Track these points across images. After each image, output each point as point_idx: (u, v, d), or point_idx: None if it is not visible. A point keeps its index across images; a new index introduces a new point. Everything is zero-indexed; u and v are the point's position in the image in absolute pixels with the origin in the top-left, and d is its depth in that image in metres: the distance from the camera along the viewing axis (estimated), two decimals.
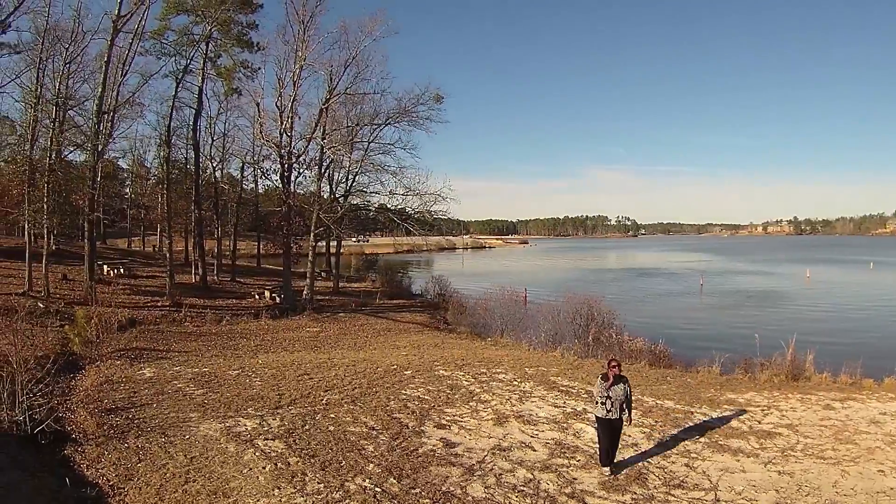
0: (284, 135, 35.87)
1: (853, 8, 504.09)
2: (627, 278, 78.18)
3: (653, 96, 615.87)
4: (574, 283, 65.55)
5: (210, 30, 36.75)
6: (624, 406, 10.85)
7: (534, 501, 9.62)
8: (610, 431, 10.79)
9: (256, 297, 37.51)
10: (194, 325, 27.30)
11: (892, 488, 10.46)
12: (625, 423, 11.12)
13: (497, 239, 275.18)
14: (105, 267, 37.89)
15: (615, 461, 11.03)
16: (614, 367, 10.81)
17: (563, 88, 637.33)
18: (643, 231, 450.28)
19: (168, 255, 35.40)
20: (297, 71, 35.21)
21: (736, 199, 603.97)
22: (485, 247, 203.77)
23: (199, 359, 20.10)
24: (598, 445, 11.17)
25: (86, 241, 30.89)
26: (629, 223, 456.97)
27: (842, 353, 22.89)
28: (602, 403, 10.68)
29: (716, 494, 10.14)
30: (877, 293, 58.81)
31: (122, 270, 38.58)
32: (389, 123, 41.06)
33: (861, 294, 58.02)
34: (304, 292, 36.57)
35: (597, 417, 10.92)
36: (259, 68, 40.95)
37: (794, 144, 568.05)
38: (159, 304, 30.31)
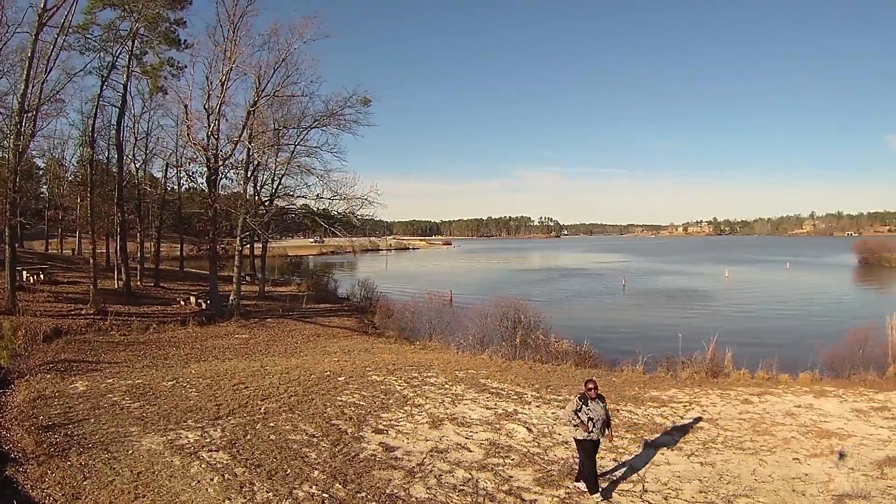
0: (211, 137, 35.33)
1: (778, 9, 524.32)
2: (552, 279, 79.78)
3: (580, 97, 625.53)
4: (499, 284, 66.87)
5: (137, 26, 35.61)
6: (604, 425, 10.80)
7: (474, 499, 10.21)
8: (592, 451, 10.74)
9: (182, 302, 36.78)
10: (121, 333, 26.57)
11: (806, 474, 11.55)
12: (604, 440, 11.06)
13: (421, 240, 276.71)
14: (24, 273, 36.32)
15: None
16: (592, 388, 10.72)
17: (490, 88, 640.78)
18: (566, 232, 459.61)
19: (92, 260, 34.23)
20: (226, 72, 34.67)
21: (657, 201, 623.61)
22: (408, 248, 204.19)
23: (130, 370, 19.75)
24: (580, 470, 10.90)
25: (7, 246, 29.44)
26: (552, 224, 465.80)
27: (759, 350, 24.55)
28: (583, 423, 10.49)
29: (643, 486, 11.01)
30: (793, 292, 62.11)
31: (42, 276, 37.01)
32: (316, 126, 40.75)
33: (778, 293, 61.14)
34: (231, 297, 36.06)
35: (578, 440, 10.66)
36: (185, 67, 40.10)
37: (715, 147, 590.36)
38: (83, 311, 29.30)
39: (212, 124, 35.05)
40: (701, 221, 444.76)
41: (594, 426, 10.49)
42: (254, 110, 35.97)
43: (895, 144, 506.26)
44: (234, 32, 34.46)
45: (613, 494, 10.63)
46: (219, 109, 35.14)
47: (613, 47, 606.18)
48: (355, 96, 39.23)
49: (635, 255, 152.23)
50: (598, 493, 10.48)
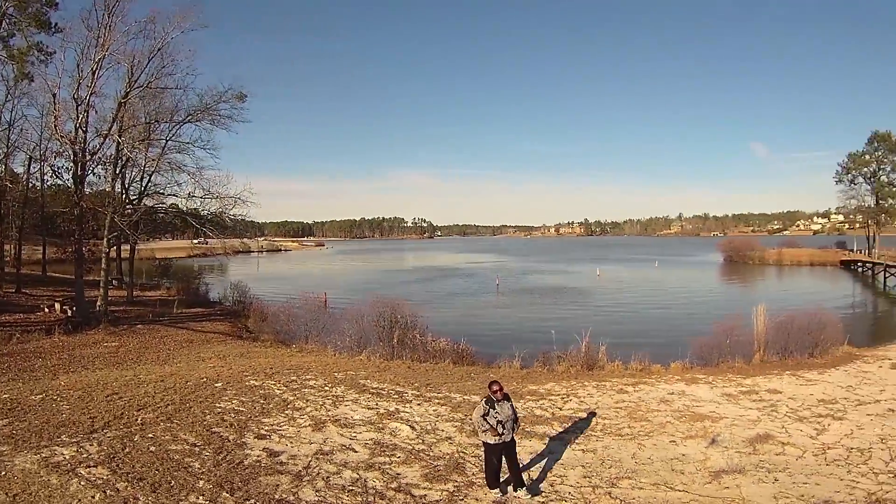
0: (79, 129, 33.58)
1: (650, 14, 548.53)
2: (427, 279, 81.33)
3: (455, 98, 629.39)
4: (374, 285, 67.61)
5: (6, 5, 33.24)
6: (514, 425, 10.87)
7: (364, 499, 10.54)
8: (506, 453, 10.78)
9: (46, 309, 34.68)
10: None
11: (683, 455, 12.82)
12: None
13: (293, 241, 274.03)
14: None
15: (524, 480, 11.07)
16: (497, 389, 10.71)
17: (364, 87, 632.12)
18: (439, 233, 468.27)
19: None
20: (98, 60, 32.95)
21: (530, 202, 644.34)
22: (281, 249, 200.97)
23: None
24: (514, 478, 10.94)
25: None
26: (426, 225, 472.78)
27: (632, 343, 26.37)
28: (493, 428, 10.50)
29: (528, 475, 11.72)
30: (662, 288, 66.64)
31: None
32: (190, 121, 39.77)
33: (648, 290, 65.34)
34: (98, 303, 34.60)
35: (487, 444, 10.68)
36: (55, 52, 37.32)
37: (587, 151, 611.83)
38: None
39: (80, 116, 33.37)
40: (572, 222, 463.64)
41: (504, 428, 10.56)
42: (125, 102, 34.66)
43: (759, 152, 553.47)
44: (108, 17, 32.90)
45: (501, 484, 11.08)
46: (88, 100, 33.47)
47: (488, 48, 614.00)
48: (231, 91, 38.78)
49: (509, 255, 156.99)
50: (497, 490, 10.85)
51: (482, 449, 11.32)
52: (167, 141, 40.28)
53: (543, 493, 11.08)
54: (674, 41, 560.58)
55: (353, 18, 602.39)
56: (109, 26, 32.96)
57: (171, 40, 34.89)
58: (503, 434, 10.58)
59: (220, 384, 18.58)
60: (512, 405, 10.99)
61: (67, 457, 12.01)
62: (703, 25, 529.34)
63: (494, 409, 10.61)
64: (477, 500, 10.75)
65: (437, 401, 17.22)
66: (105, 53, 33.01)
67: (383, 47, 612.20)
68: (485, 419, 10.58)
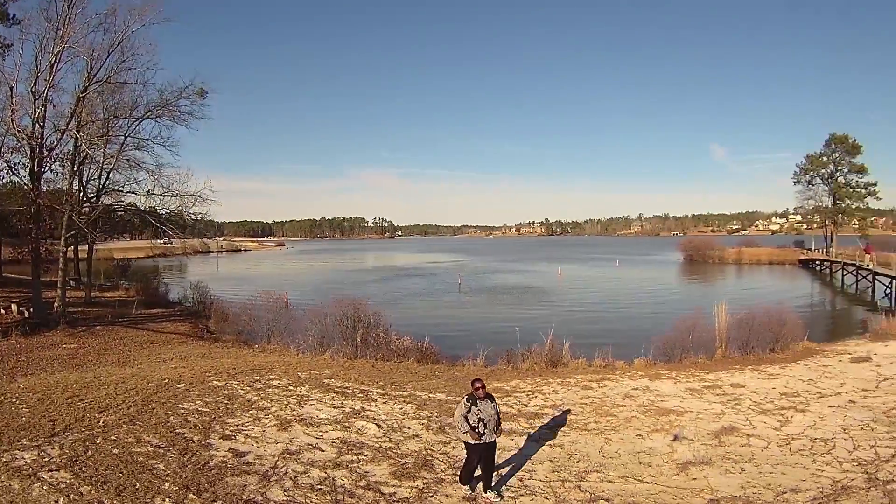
0: (37, 125, 32.65)
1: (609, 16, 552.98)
2: (388, 279, 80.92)
3: (419, 99, 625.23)
4: (336, 285, 66.98)
5: None
6: (496, 425, 10.70)
7: (333, 498, 10.46)
8: (486, 454, 10.65)
9: (3, 311, 33.63)
10: None
11: (650, 448, 13.01)
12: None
13: (253, 241, 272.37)
14: None
15: (493, 481, 10.99)
16: (479, 387, 10.62)
17: (327, 84, 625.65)
18: (400, 233, 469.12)
19: None
20: (57, 53, 32.09)
21: (491, 202, 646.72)
22: (240, 250, 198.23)
23: None
24: (485, 479, 10.81)
25: None
26: (386, 224, 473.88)
27: (595, 340, 26.56)
28: (474, 428, 10.39)
29: (498, 472, 11.73)
30: (623, 287, 66.95)
31: None
32: (149, 117, 39.11)
33: (609, 288, 65.60)
34: (56, 304, 33.82)
35: (469, 444, 10.55)
36: (12, 44, 36.24)
37: (548, 151, 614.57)
38: None
39: (38, 110, 32.36)
40: (533, 222, 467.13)
41: (485, 427, 10.45)
42: (83, 97, 33.78)
43: (718, 153, 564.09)
44: (68, 8, 32.01)
45: (473, 481, 11.04)
46: (46, 94, 32.58)
47: (453, 48, 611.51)
48: (191, 87, 38.18)
49: (470, 255, 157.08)
50: (468, 486, 10.85)
51: (451, 446, 11.36)
52: (126, 137, 39.54)
53: (513, 488, 11.15)
54: (633, 42, 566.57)
55: (320, 16, 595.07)
56: (69, 18, 32.07)
57: (132, 34, 34.12)
58: (484, 434, 10.48)
59: (182, 385, 18.27)
60: (495, 405, 10.88)
61: (29, 461, 11.67)
62: (661, 27, 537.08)
63: (476, 406, 10.56)
64: (446, 496, 10.78)
65: (402, 399, 17.24)
66: (64, 46, 32.09)
67: (345, 43, 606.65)
68: (465, 419, 10.49)
